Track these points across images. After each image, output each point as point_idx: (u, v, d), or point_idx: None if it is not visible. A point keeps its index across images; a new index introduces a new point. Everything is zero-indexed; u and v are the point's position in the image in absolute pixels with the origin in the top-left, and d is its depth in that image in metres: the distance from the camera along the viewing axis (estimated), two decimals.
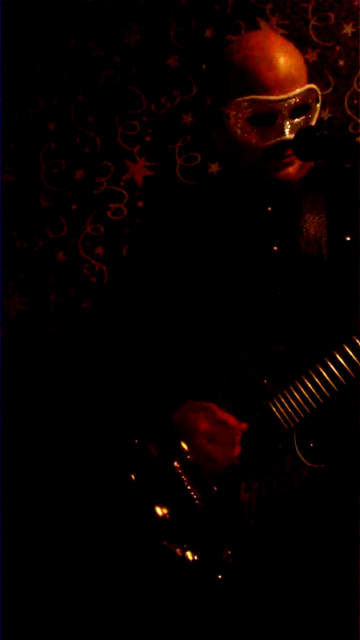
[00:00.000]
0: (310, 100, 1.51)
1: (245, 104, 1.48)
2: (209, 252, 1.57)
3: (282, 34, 2.12)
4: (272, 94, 1.46)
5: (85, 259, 2.18)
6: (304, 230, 1.55)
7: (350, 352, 1.41)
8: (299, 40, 2.14)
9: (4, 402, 2.13)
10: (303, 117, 1.50)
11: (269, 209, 1.57)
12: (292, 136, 1.46)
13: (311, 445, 1.46)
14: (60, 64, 2.18)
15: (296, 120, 1.48)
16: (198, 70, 2.17)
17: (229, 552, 1.45)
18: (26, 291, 2.20)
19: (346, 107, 2.14)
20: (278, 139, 1.47)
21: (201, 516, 1.46)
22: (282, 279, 1.53)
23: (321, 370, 1.43)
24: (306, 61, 2.08)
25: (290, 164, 1.51)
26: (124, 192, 2.18)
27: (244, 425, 1.45)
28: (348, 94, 2.14)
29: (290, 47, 1.54)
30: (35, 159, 2.20)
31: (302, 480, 1.46)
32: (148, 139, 2.17)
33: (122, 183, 2.18)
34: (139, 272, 1.68)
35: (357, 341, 1.41)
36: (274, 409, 1.46)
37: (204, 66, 2.17)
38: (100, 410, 1.79)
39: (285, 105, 1.46)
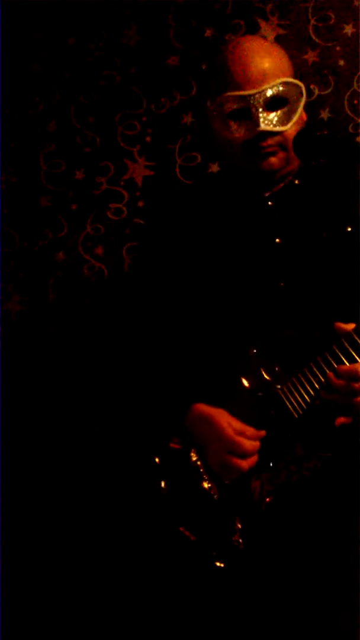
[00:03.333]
0: (289, 95, 1.55)
1: (223, 100, 1.55)
2: (210, 247, 1.59)
3: (279, 35, 2.13)
4: (244, 89, 1.53)
5: (85, 259, 2.18)
6: (306, 219, 1.58)
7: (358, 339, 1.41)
8: (299, 40, 2.14)
9: (4, 402, 2.13)
10: (282, 110, 1.54)
11: (270, 202, 1.60)
12: (267, 127, 1.52)
13: (320, 433, 1.46)
14: (60, 64, 2.18)
15: (273, 113, 1.53)
16: (198, 70, 2.17)
17: (240, 540, 1.45)
18: (26, 291, 2.20)
19: (346, 107, 2.14)
20: (254, 131, 1.53)
21: (216, 505, 1.47)
22: (285, 270, 1.56)
23: (329, 357, 1.43)
24: (296, 62, 2.09)
25: (272, 154, 1.55)
26: (124, 192, 2.18)
27: (263, 433, 1.46)
28: (348, 94, 2.14)
29: (272, 48, 1.63)
30: (35, 159, 2.20)
31: (311, 468, 1.47)
32: (148, 139, 2.17)
33: (122, 183, 2.18)
34: (140, 271, 1.72)
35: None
36: (284, 397, 1.47)
37: (204, 66, 2.17)
38: (99, 410, 1.79)
39: (258, 98, 1.52)
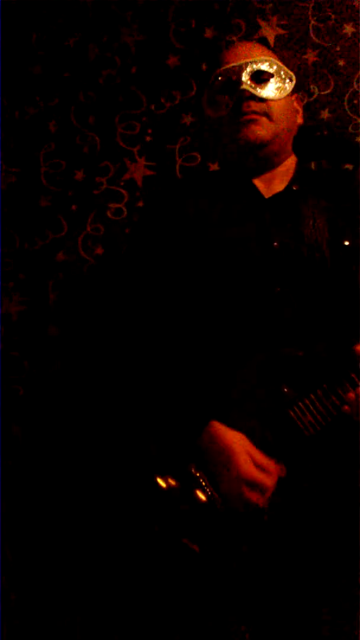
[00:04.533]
0: (275, 73, 1.59)
1: (213, 80, 1.61)
2: (208, 250, 1.56)
3: (279, 35, 2.13)
4: (229, 64, 1.59)
5: (85, 259, 2.18)
6: (304, 226, 1.55)
7: None
8: (299, 40, 2.14)
9: (4, 402, 2.13)
10: (268, 83, 1.58)
11: (269, 206, 1.58)
12: (249, 88, 1.55)
13: (334, 453, 1.45)
14: (60, 64, 2.18)
15: (259, 84, 1.57)
16: (198, 70, 2.17)
17: (244, 548, 1.43)
18: (26, 291, 2.20)
19: (346, 107, 2.14)
20: (237, 92, 1.56)
21: (221, 517, 1.43)
22: (282, 275, 1.52)
23: (346, 383, 1.40)
24: (296, 62, 2.10)
25: (254, 121, 1.57)
26: (124, 192, 2.18)
27: (284, 472, 1.42)
28: (348, 94, 2.14)
29: (259, 45, 1.70)
30: (35, 159, 2.20)
31: (314, 478, 1.45)
32: (148, 139, 2.17)
33: (122, 183, 2.18)
34: (135, 277, 1.65)
35: None
36: (295, 417, 1.43)
37: (204, 66, 2.17)
38: (99, 411, 1.79)
39: (244, 68, 1.57)
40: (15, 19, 2.16)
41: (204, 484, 1.43)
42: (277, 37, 2.15)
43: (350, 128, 2.13)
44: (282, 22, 2.15)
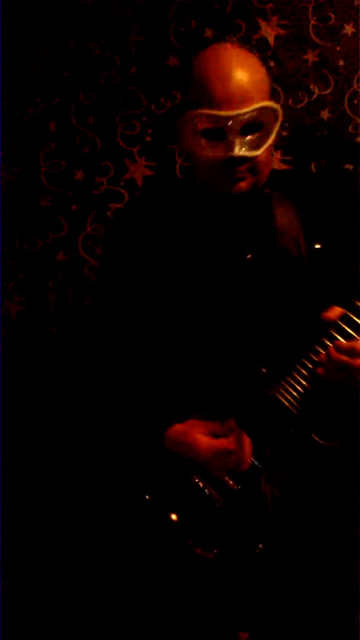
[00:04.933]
0: (266, 119, 1.46)
1: (197, 117, 1.45)
2: (180, 262, 1.54)
3: (279, 35, 2.13)
4: (221, 109, 1.43)
5: (85, 259, 2.18)
6: (278, 230, 1.54)
7: (348, 328, 1.40)
8: (299, 40, 2.14)
9: (4, 402, 2.13)
10: (257, 135, 1.46)
11: (239, 214, 1.55)
12: (241, 153, 1.43)
13: (322, 424, 1.46)
14: (60, 64, 2.18)
15: (248, 137, 1.45)
16: None
17: (260, 546, 1.45)
18: (26, 291, 2.20)
19: (346, 107, 2.14)
20: (227, 155, 1.44)
21: (223, 514, 1.46)
22: (258, 286, 1.52)
23: (319, 349, 1.42)
24: (296, 62, 2.10)
25: (242, 179, 1.48)
26: (124, 192, 2.18)
27: (232, 421, 1.43)
28: (348, 94, 2.14)
29: (251, 61, 1.50)
30: (35, 159, 2.20)
31: (319, 460, 1.46)
32: (148, 139, 2.17)
33: (122, 183, 2.18)
34: (106, 288, 1.65)
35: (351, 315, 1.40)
36: (281, 398, 1.45)
37: None
38: (99, 411, 1.79)
39: (235, 121, 1.43)
40: (16, 19, 2.16)
41: (201, 485, 1.45)
42: (277, 37, 2.15)
43: (350, 128, 2.13)
44: (282, 22, 2.15)
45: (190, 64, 1.53)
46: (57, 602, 2.07)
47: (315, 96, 2.14)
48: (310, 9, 2.14)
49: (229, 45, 1.51)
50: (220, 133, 1.44)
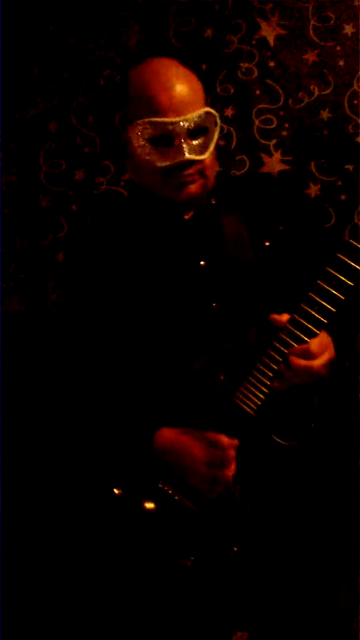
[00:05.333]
0: (208, 124, 1.54)
1: (145, 126, 1.51)
2: (136, 276, 1.58)
3: (279, 35, 2.14)
4: (168, 116, 1.50)
5: None
6: (226, 236, 1.59)
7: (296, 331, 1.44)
8: (299, 40, 2.14)
9: (4, 402, 2.13)
10: (202, 139, 1.53)
11: (189, 224, 1.60)
12: (191, 156, 1.50)
13: (281, 425, 1.49)
14: (60, 64, 2.18)
15: (195, 141, 1.52)
16: (198, 70, 2.16)
17: (235, 549, 1.47)
18: (26, 291, 2.20)
19: (346, 107, 2.13)
20: (177, 159, 1.50)
21: (200, 521, 1.48)
22: (214, 291, 1.56)
23: (273, 353, 1.46)
24: (296, 62, 2.11)
25: (192, 182, 1.54)
26: (124, 192, 2.18)
27: (236, 442, 1.48)
28: (348, 94, 2.14)
29: (188, 72, 1.57)
30: (35, 159, 2.20)
31: (282, 460, 1.49)
32: None
33: (122, 183, 2.18)
34: (71, 303, 1.69)
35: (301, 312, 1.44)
36: (240, 403, 1.49)
37: (204, 66, 2.17)
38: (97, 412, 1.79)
39: (182, 126, 1.50)
40: (16, 19, 2.16)
41: (176, 498, 1.48)
42: (277, 37, 2.15)
43: (350, 128, 2.13)
44: (282, 22, 2.15)
45: (127, 78, 1.59)
46: (57, 602, 2.07)
47: (315, 96, 2.14)
48: (310, 9, 2.14)
49: (165, 60, 1.57)
50: (168, 140, 1.51)
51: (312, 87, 2.15)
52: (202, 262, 1.57)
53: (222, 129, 2.17)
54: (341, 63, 2.14)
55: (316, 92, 2.14)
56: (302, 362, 1.42)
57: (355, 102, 2.13)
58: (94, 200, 2.19)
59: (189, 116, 1.50)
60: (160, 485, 1.49)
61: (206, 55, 2.16)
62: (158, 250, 1.59)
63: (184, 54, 2.15)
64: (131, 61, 1.81)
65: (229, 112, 2.18)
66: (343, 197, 2.16)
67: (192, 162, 1.51)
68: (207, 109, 1.55)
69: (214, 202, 1.62)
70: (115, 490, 1.51)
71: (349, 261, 1.37)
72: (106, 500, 1.54)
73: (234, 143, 2.19)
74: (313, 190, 2.16)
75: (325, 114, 2.14)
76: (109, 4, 2.17)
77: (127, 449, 1.53)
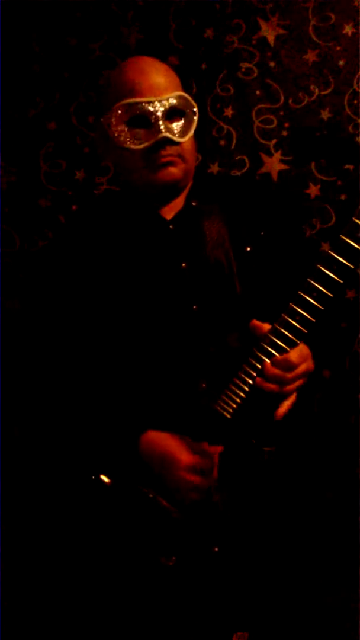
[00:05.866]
0: (186, 109, 1.55)
1: (122, 108, 1.53)
2: (116, 276, 1.57)
3: (279, 35, 2.14)
4: (144, 96, 1.52)
5: None
6: (207, 239, 1.59)
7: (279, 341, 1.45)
8: (299, 40, 2.15)
9: (4, 402, 2.13)
10: (181, 122, 1.54)
11: (171, 226, 1.59)
12: (168, 134, 1.51)
13: (260, 430, 1.50)
14: (60, 64, 2.18)
15: (174, 124, 1.53)
16: (198, 70, 2.17)
17: (216, 549, 1.48)
18: (31, 284, 2.20)
19: (346, 107, 2.14)
20: (155, 137, 1.51)
21: (180, 524, 1.49)
22: (195, 293, 1.56)
23: (254, 362, 1.46)
24: (296, 62, 2.10)
25: (172, 163, 1.54)
26: None
27: (220, 448, 1.48)
28: (348, 94, 2.14)
29: (166, 66, 1.61)
30: (35, 159, 2.20)
31: (261, 465, 1.50)
32: None
33: (122, 183, 2.18)
34: (48, 303, 1.66)
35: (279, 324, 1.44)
36: (221, 410, 1.49)
37: (204, 66, 2.17)
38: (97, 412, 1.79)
39: (159, 106, 1.52)
40: (15, 18, 2.16)
41: (158, 499, 1.49)
42: (277, 37, 2.15)
43: (350, 128, 2.13)
44: (282, 22, 2.15)
45: (106, 77, 1.64)
46: (56, 602, 2.07)
47: (315, 96, 2.15)
48: (310, 9, 2.14)
49: (143, 56, 1.61)
50: (145, 121, 1.52)
51: (312, 87, 2.15)
52: (183, 265, 1.56)
53: (221, 129, 2.18)
54: (341, 63, 2.14)
55: (316, 92, 2.15)
56: (276, 371, 1.43)
57: (355, 102, 2.13)
58: (93, 200, 2.19)
59: (166, 95, 1.52)
60: (140, 487, 1.50)
61: (206, 55, 2.17)
62: (139, 251, 1.58)
63: (184, 54, 2.16)
64: None
65: (229, 112, 2.18)
66: (343, 197, 2.16)
67: (169, 141, 1.52)
68: (184, 93, 1.57)
69: (194, 204, 1.62)
70: (105, 479, 1.51)
71: (329, 273, 1.38)
72: (90, 497, 1.53)
73: (234, 143, 2.19)
74: (313, 190, 2.16)
75: (325, 114, 2.14)
76: (109, 4, 2.17)
77: (113, 450, 1.52)
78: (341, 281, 1.38)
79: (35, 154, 2.20)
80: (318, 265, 1.39)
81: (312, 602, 1.78)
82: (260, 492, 1.53)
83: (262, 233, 1.61)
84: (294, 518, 1.62)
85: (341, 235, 1.36)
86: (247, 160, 2.19)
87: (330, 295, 1.40)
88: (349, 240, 1.36)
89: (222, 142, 2.18)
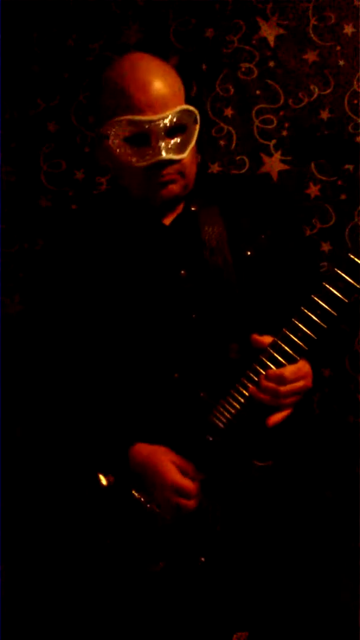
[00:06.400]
0: (187, 122, 1.50)
1: (121, 124, 1.47)
2: (114, 281, 1.54)
3: (279, 35, 2.14)
4: (145, 115, 1.45)
5: None
6: (206, 245, 1.55)
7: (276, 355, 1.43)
8: (299, 40, 2.14)
9: (5, 402, 2.13)
10: (181, 137, 1.49)
11: (169, 232, 1.57)
12: (169, 156, 1.46)
13: (256, 445, 1.49)
14: (60, 64, 2.18)
15: (173, 140, 1.48)
16: (198, 70, 2.17)
17: (202, 559, 1.48)
18: (26, 291, 2.20)
19: (346, 107, 2.14)
20: (155, 159, 1.46)
21: (170, 530, 1.49)
22: (194, 302, 1.54)
23: (252, 375, 1.45)
24: (296, 62, 2.10)
25: (172, 182, 1.50)
26: None
27: (202, 476, 1.47)
28: (348, 94, 2.14)
29: (167, 68, 1.53)
30: (35, 159, 2.20)
31: (255, 480, 1.49)
32: None
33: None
34: (43, 305, 1.64)
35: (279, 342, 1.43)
36: (216, 421, 1.48)
37: (204, 66, 2.17)
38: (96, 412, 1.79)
39: (160, 125, 1.46)
40: (16, 18, 2.16)
41: (148, 506, 1.48)
42: (277, 37, 2.15)
43: (350, 128, 2.13)
44: (282, 22, 2.15)
45: (102, 76, 1.55)
46: (56, 602, 2.07)
47: (315, 96, 2.15)
48: (311, 9, 2.14)
49: (143, 55, 1.53)
50: (145, 139, 1.47)
51: (312, 87, 2.15)
52: (182, 272, 1.54)
53: (221, 129, 2.18)
54: (341, 63, 2.14)
55: (316, 92, 2.15)
56: (271, 385, 1.41)
57: (355, 102, 2.13)
58: (92, 200, 2.19)
59: (166, 113, 1.46)
60: (133, 491, 1.50)
61: (206, 55, 2.17)
62: (137, 256, 1.55)
63: (184, 54, 2.16)
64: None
65: (229, 112, 2.18)
66: (343, 197, 2.16)
67: (170, 162, 1.47)
68: (186, 106, 1.51)
69: (194, 208, 1.58)
70: (104, 480, 1.51)
71: (335, 291, 1.36)
72: (86, 498, 1.53)
73: (234, 143, 2.19)
74: (313, 190, 2.16)
75: (325, 114, 2.14)
76: (109, 4, 2.16)
77: (105, 458, 1.52)
78: (346, 300, 1.36)
79: (35, 154, 2.20)
80: (324, 283, 1.37)
81: (312, 602, 1.78)
82: (256, 495, 1.51)
83: (263, 236, 1.58)
84: (294, 518, 1.61)
85: (350, 254, 1.33)
86: (247, 160, 2.19)
87: (335, 314, 1.37)
88: (357, 260, 1.33)
89: (222, 142, 2.18)
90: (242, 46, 2.17)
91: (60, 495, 1.64)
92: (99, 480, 1.51)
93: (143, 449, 1.49)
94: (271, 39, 2.15)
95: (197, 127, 1.53)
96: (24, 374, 1.67)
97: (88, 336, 1.56)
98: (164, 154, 1.45)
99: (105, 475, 1.51)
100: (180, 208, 1.58)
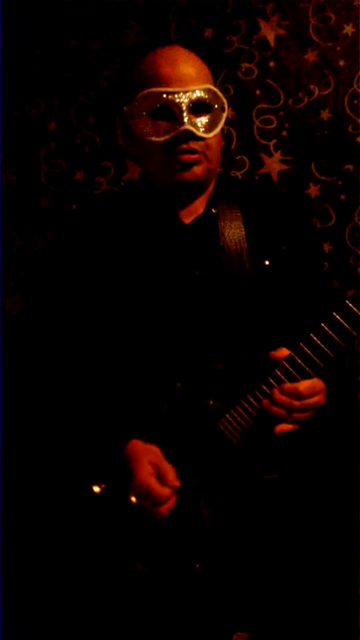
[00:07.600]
0: (213, 103, 1.49)
1: (146, 97, 1.47)
2: (127, 275, 1.52)
3: (279, 35, 2.14)
4: (169, 86, 1.46)
5: None
6: (224, 249, 1.53)
7: (290, 369, 1.42)
8: (299, 40, 2.14)
9: (4, 402, 2.13)
10: (207, 117, 1.48)
11: (189, 231, 1.54)
12: (191, 128, 1.44)
13: (262, 456, 1.48)
14: (61, 64, 2.18)
15: (199, 118, 1.47)
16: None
17: (197, 566, 1.46)
18: (26, 291, 2.20)
19: (346, 107, 2.14)
20: (178, 130, 1.44)
21: (167, 535, 1.46)
22: (206, 303, 1.51)
23: (264, 387, 1.43)
24: (296, 62, 2.10)
25: (195, 162, 1.48)
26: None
27: (177, 484, 1.43)
28: (348, 94, 2.14)
29: (194, 55, 1.55)
30: (35, 159, 2.20)
31: (258, 492, 1.47)
32: None
33: (122, 183, 2.18)
34: (52, 298, 1.61)
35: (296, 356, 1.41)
36: (224, 429, 1.46)
37: None
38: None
39: (184, 98, 1.45)
40: (16, 18, 2.16)
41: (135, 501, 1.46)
42: (277, 37, 2.15)
43: (350, 128, 2.13)
44: (282, 22, 2.15)
45: (132, 69, 1.57)
46: (56, 603, 2.07)
47: (315, 96, 2.15)
48: (310, 9, 2.14)
49: (173, 45, 1.59)
50: (169, 112, 1.46)
51: (312, 87, 2.15)
52: (196, 272, 1.51)
53: (221, 129, 2.17)
54: (341, 63, 2.14)
55: (316, 92, 2.15)
56: (285, 399, 1.40)
57: (355, 102, 2.14)
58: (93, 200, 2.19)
59: (192, 87, 1.46)
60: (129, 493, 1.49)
61: (206, 55, 2.16)
62: (151, 252, 1.53)
63: None
64: (132, 60, 1.82)
65: (229, 112, 2.18)
66: (343, 197, 2.16)
67: (192, 135, 1.45)
68: (213, 87, 1.50)
69: (215, 211, 1.55)
70: (96, 488, 1.49)
71: (357, 310, 1.35)
72: (77, 501, 1.52)
73: (234, 143, 2.19)
74: (313, 190, 2.16)
75: (325, 114, 2.14)
76: (109, 4, 2.17)
77: (103, 456, 1.49)
78: None
79: (35, 154, 2.20)
80: (347, 302, 1.36)
81: (311, 603, 1.78)
82: (259, 502, 1.50)
83: (284, 247, 1.55)
84: (293, 518, 1.61)
85: None
86: (247, 161, 2.19)
87: (355, 333, 1.36)
88: None
89: (222, 142, 2.18)
90: (242, 46, 2.17)
91: (60, 496, 1.64)
92: (91, 490, 1.49)
93: (134, 446, 1.46)
94: (271, 39, 2.15)
95: (224, 115, 1.52)
96: (24, 374, 1.66)
97: (94, 332, 1.54)
98: (186, 124, 1.44)
99: (97, 483, 1.49)
100: (201, 208, 1.56)
